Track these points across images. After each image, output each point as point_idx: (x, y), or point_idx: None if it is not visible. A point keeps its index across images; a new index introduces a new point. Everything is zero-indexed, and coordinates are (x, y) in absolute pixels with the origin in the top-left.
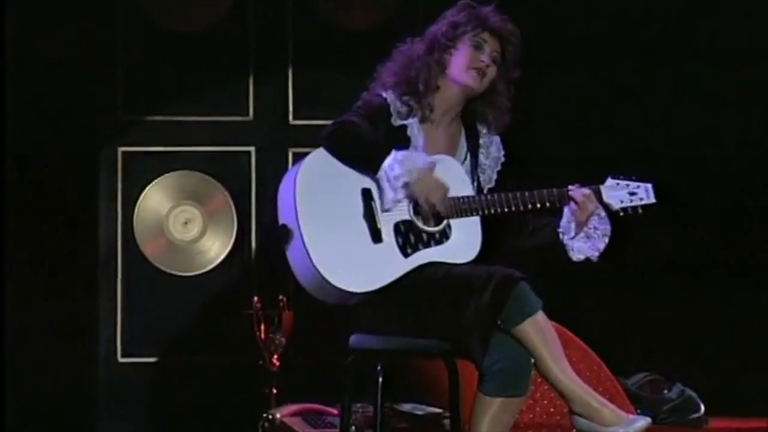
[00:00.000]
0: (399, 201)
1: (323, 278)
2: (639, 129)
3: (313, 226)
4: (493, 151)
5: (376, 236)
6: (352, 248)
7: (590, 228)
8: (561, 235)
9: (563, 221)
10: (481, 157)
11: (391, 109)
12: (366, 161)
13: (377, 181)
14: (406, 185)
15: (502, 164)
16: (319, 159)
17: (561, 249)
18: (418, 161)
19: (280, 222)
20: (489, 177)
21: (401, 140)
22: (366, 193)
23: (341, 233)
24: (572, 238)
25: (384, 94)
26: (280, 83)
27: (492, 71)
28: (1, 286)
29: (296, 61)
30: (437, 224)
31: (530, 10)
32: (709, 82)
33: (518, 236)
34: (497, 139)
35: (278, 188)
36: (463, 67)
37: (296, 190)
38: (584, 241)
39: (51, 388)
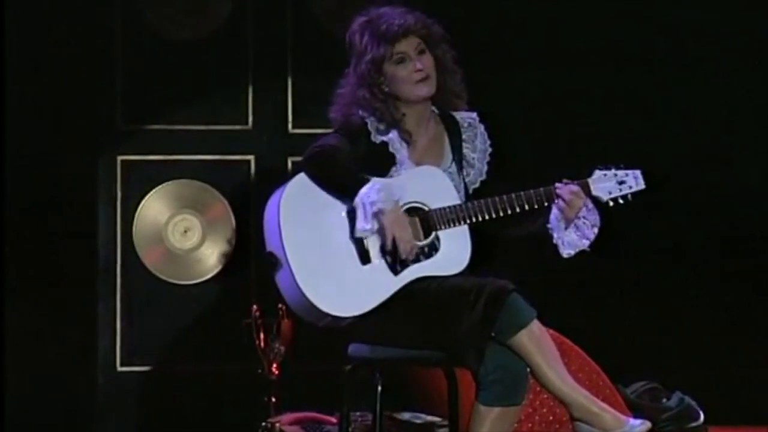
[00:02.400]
0: (370, 230)
1: (313, 305)
2: (631, 129)
3: (300, 252)
4: (479, 143)
5: (365, 257)
6: (341, 272)
7: (579, 219)
8: (550, 231)
9: (552, 217)
10: (468, 152)
11: (370, 126)
12: (343, 188)
13: (354, 209)
14: (379, 213)
15: (491, 155)
16: (301, 183)
17: (551, 246)
18: (396, 194)
19: (267, 249)
20: (479, 170)
21: (384, 156)
22: (351, 215)
23: (329, 257)
24: (560, 234)
25: (360, 112)
26: (280, 92)
27: (430, 66)
28: (0, 295)
29: (295, 70)
30: (425, 237)
31: (515, 7)
32: (698, 78)
33: (505, 226)
34: (481, 128)
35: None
36: (407, 88)
37: (280, 216)
38: (574, 231)
39: (50, 397)
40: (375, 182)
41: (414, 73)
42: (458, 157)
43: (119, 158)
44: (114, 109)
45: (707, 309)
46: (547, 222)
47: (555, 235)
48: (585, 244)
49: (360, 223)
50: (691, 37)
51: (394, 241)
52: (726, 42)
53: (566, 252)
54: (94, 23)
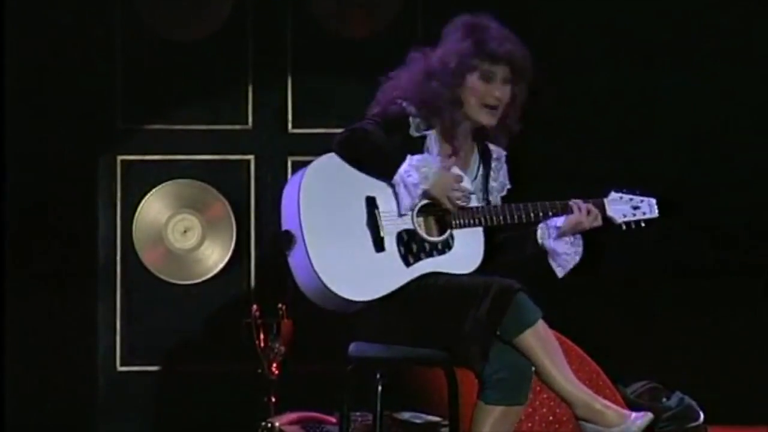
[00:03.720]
0: (417, 205)
1: (324, 286)
2: (642, 136)
3: (316, 232)
4: (500, 176)
5: (379, 245)
6: (355, 256)
7: (565, 243)
8: (540, 229)
9: (544, 227)
10: (491, 179)
11: (411, 120)
12: (381, 166)
13: (392, 186)
14: (424, 193)
15: (508, 190)
16: (324, 165)
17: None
18: (434, 165)
19: (283, 227)
20: (495, 200)
21: (417, 150)
22: (370, 201)
23: (344, 241)
24: (554, 228)
25: (404, 104)
26: (279, 92)
27: (505, 99)
28: (0, 296)
29: (295, 70)
30: (440, 234)
31: (531, 19)
32: (715, 89)
33: (499, 253)
34: (505, 167)
35: (282, 194)
36: (476, 105)
37: (300, 196)
38: (557, 245)
39: (50, 398)
40: (411, 159)
41: (489, 96)
42: (484, 179)
43: (119, 158)
44: (114, 109)
45: (707, 309)
46: (536, 241)
47: (542, 223)
48: (560, 272)
49: (405, 200)
50: (715, 47)
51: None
52: (754, 56)
53: (549, 245)
54: (94, 23)
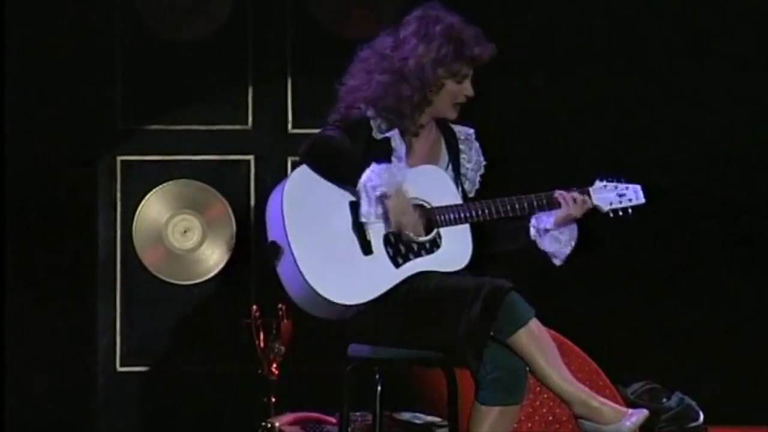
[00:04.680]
0: (374, 215)
1: (315, 292)
2: (627, 132)
3: (303, 241)
4: (473, 155)
5: (366, 248)
6: (343, 261)
7: (559, 232)
8: (532, 228)
9: (534, 228)
10: (464, 162)
11: (371, 123)
12: (345, 174)
13: (357, 194)
14: (383, 196)
15: (485, 167)
16: (304, 174)
17: (533, 245)
18: (398, 176)
19: (270, 239)
20: (473, 180)
21: (383, 152)
22: (354, 206)
23: (331, 247)
24: (545, 230)
25: (363, 108)
26: (279, 92)
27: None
28: (0, 295)
29: (295, 70)
30: (427, 234)
31: (512, 8)
32: (697, 85)
33: (491, 244)
34: (476, 144)
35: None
36: (449, 104)
37: (284, 206)
38: (550, 244)
39: (50, 398)
40: (375, 166)
41: (461, 96)
42: (455, 165)
43: (119, 158)
44: (114, 109)
45: (707, 309)
46: (529, 235)
47: (535, 221)
48: (557, 261)
49: (364, 208)
50: (693, 40)
51: (398, 227)
52: (728, 45)
53: (545, 247)
54: (94, 23)
